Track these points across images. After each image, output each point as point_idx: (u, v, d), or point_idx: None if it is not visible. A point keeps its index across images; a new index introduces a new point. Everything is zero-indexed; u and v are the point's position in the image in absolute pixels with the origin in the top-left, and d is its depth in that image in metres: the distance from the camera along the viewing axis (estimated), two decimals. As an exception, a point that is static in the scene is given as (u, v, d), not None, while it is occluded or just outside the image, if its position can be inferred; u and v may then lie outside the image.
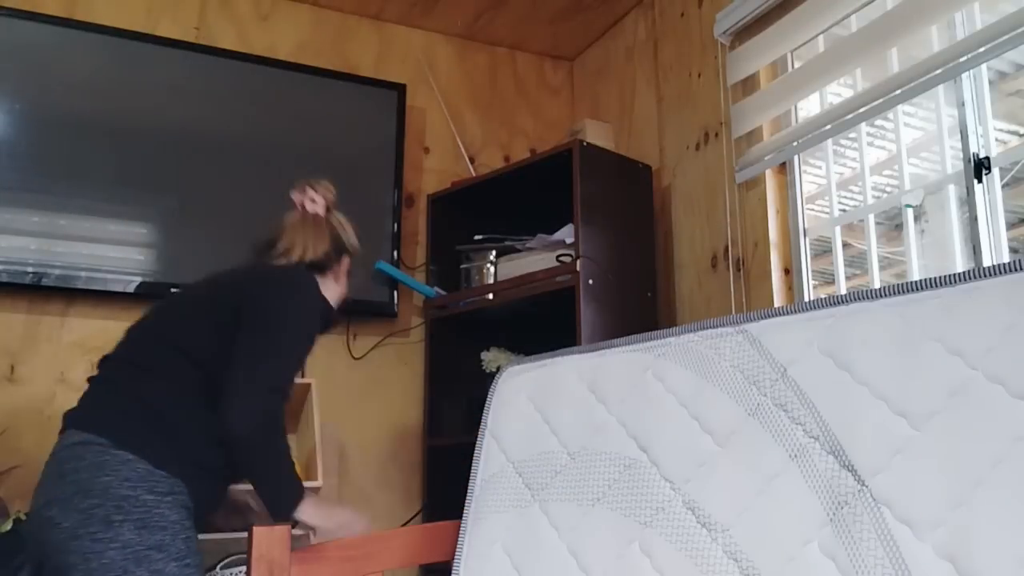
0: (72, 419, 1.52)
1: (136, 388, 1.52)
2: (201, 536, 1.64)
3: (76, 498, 1.40)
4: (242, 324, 1.57)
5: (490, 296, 2.55)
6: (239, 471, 1.60)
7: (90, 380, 1.60)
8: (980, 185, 1.69)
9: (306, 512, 1.55)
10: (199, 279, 1.76)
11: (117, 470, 1.42)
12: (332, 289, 1.81)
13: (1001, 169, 1.68)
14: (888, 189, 2.14)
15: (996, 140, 1.71)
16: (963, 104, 1.73)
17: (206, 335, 1.59)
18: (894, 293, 1.05)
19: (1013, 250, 1.68)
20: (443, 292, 2.72)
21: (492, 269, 2.62)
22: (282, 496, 1.54)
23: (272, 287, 1.65)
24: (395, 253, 2.70)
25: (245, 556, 1.25)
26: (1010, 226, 1.71)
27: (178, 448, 1.50)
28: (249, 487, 1.65)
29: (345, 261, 1.86)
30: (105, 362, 1.61)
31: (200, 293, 1.70)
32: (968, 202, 1.70)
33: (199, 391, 1.54)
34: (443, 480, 2.60)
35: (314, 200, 1.83)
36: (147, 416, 1.50)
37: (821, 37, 2.11)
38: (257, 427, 1.49)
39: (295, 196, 1.85)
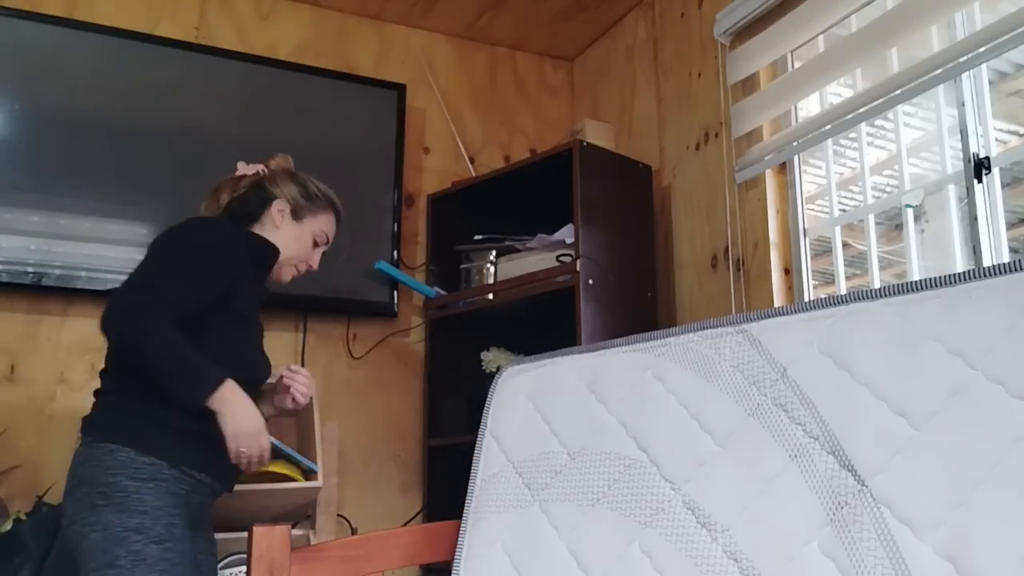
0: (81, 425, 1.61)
1: (107, 382, 1.61)
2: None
3: (73, 489, 1.51)
4: None
5: (490, 296, 2.55)
6: (131, 369, 1.55)
7: None
8: (980, 185, 1.69)
9: (223, 403, 1.51)
10: None
11: (101, 460, 1.50)
12: (274, 234, 1.78)
13: (1001, 169, 1.68)
14: (888, 189, 2.14)
15: (996, 140, 1.71)
16: (963, 104, 1.73)
17: None
18: (894, 293, 1.05)
19: (1013, 250, 1.68)
20: (443, 292, 2.72)
21: (492, 269, 2.62)
22: (187, 382, 1.50)
23: (165, 230, 1.67)
24: (395, 253, 2.70)
25: (245, 556, 1.25)
26: (1010, 226, 1.71)
27: (151, 426, 1.52)
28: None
29: (276, 206, 1.79)
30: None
31: None
32: (968, 202, 1.70)
33: None
34: (443, 480, 2.60)
35: (248, 164, 1.87)
36: (121, 405, 1.56)
37: (821, 37, 2.11)
38: (126, 317, 1.48)
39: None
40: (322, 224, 1.85)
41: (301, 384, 1.79)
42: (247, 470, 1.58)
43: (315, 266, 1.87)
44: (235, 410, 1.52)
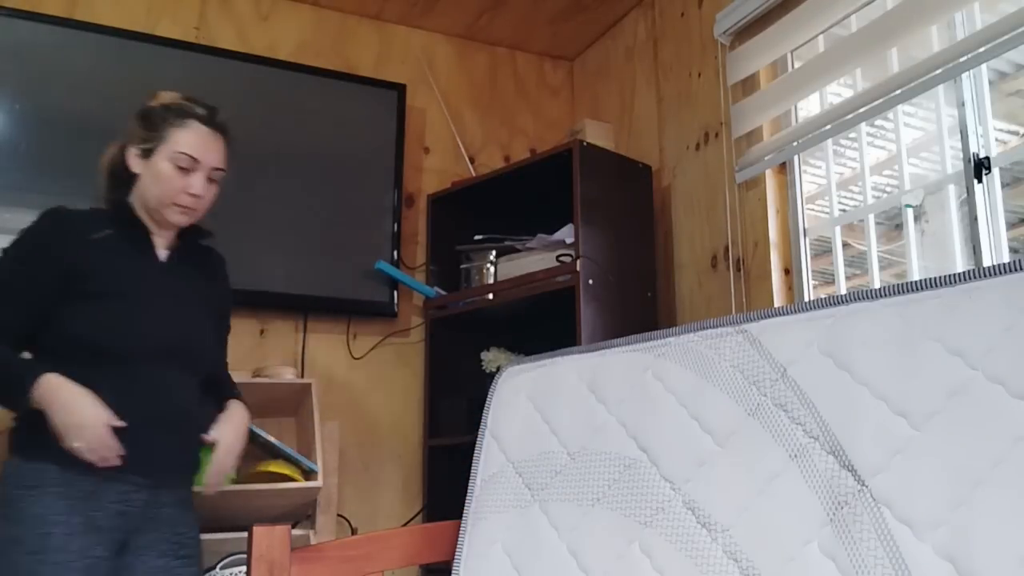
0: None
1: None
2: (200, 536, 1.63)
3: None
4: None
5: (490, 296, 2.55)
6: None
7: None
8: (980, 185, 1.69)
9: (44, 401, 1.44)
10: None
11: (3, 473, 1.50)
12: (139, 185, 1.62)
13: (1001, 169, 1.68)
14: (888, 189, 2.15)
15: (996, 140, 1.71)
16: (963, 104, 1.73)
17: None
18: (894, 293, 1.05)
19: (1013, 250, 1.68)
20: (443, 292, 2.72)
21: (492, 269, 2.62)
22: (3, 389, 1.49)
23: None
24: (395, 253, 2.70)
25: (245, 556, 1.25)
26: (1010, 226, 1.71)
27: (34, 432, 1.47)
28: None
29: (128, 155, 1.62)
30: None
31: None
32: (968, 202, 1.70)
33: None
34: (443, 480, 2.60)
35: None
36: (19, 417, 1.53)
37: (821, 37, 2.11)
38: None
39: None
40: (177, 145, 1.59)
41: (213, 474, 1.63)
42: (100, 465, 1.47)
43: (198, 191, 1.61)
44: (59, 405, 1.43)
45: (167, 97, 1.65)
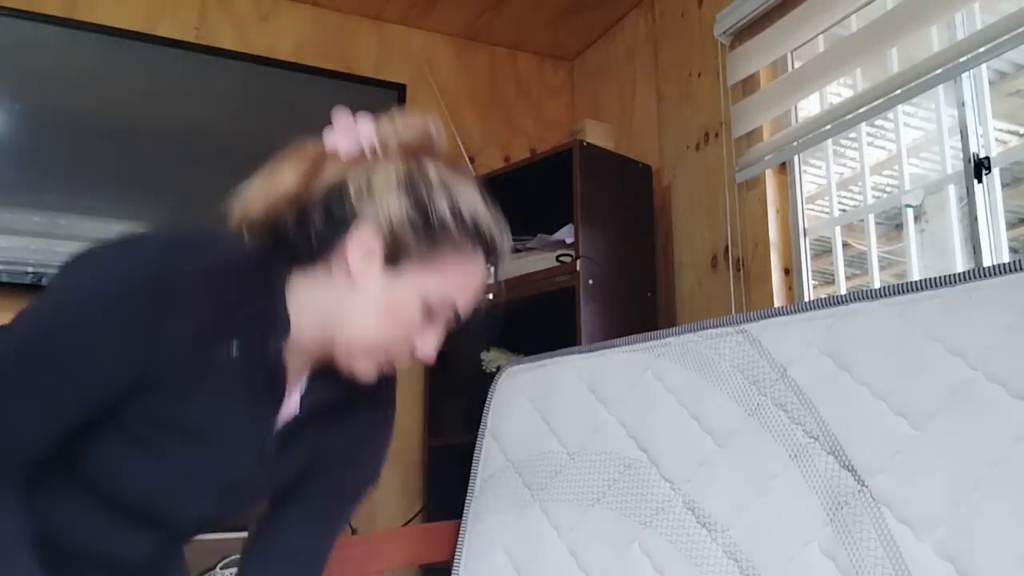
0: None
1: None
2: (200, 536, 1.63)
3: None
4: None
5: (490, 296, 2.54)
6: None
7: None
8: (980, 185, 1.68)
9: None
10: None
11: None
12: (343, 295, 0.93)
13: (1001, 169, 1.68)
14: (888, 189, 2.14)
15: (996, 140, 1.71)
16: (963, 104, 1.73)
17: None
18: (894, 293, 1.05)
19: (1013, 250, 1.68)
20: (443, 292, 2.71)
21: (492, 269, 2.62)
22: None
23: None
24: (395, 253, 2.70)
25: (245, 556, 1.25)
26: (1010, 226, 1.71)
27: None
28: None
29: (357, 239, 0.92)
30: None
31: None
32: (968, 202, 1.70)
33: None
34: (443, 480, 2.60)
35: (349, 119, 1.00)
36: None
37: (821, 37, 2.11)
38: None
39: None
40: (449, 280, 0.98)
41: None
42: None
43: (427, 351, 1.02)
44: None
45: (449, 187, 0.96)
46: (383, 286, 0.94)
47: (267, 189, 0.97)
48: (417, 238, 0.93)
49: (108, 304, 0.84)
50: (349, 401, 1.06)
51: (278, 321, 0.93)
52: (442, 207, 0.94)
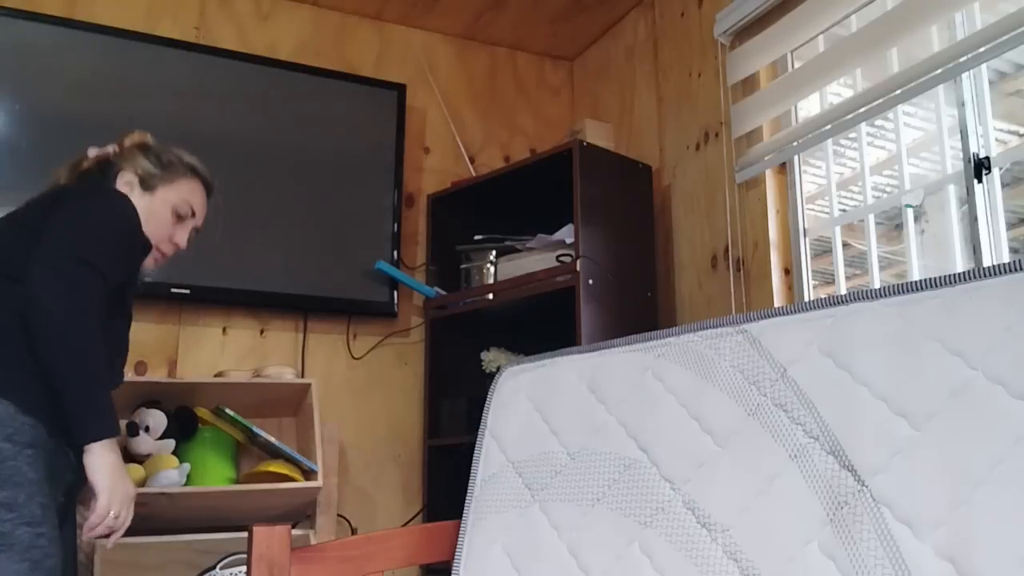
0: None
1: None
2: (200, 536, 1.63)
3: None
4: (49, 218, 1.39)
5: (490, 296, 2.55)
6: (45, 357, 1.27)
7: None
8: (980, 185, 1.69)
9: (103, 457, 1.27)
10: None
11: None
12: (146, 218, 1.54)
13: (1001, 169, 1.68)
14: (888, 189, 2.14)
15: (996, 140, 1.71)
16: (963, 104, 1.73)
17: (13, 243, 1.39)
18: (894, 293, 1.05)
19: (1013, 250, 1.68)
20: (443, 292, 2.72)
21: (492, 269, 2.62)
22: (89, 410, 1.27)
23: (79, 188, 1.53)
24: (395, 253, 2.70)
25: (245, 556, 1.25)
26: (1010, 226, 1.71)
27: (35, 380, 1.28)
28: None
29: (122, 178, 1.57)
30: None
31: (10, 213, 1.50)
32: (968, 202, 1.70)
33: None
34: (443, 480, 2.60)
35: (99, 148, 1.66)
36: (3, 351, 1.31)
37: (821, 37, 2.11)
38: (61, 295, 1.26)
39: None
40: (183, 193, 1.59)
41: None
42: (101, 534, 1.31)
43: (181, 244, 1.61)
44: (116, 467, 1.28)
45: (169, 149, 1.64)
46: (141, 199, 1.53)
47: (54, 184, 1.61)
48: (155, 166, 1.58)
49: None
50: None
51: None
52: (168, 156, 1.61)
